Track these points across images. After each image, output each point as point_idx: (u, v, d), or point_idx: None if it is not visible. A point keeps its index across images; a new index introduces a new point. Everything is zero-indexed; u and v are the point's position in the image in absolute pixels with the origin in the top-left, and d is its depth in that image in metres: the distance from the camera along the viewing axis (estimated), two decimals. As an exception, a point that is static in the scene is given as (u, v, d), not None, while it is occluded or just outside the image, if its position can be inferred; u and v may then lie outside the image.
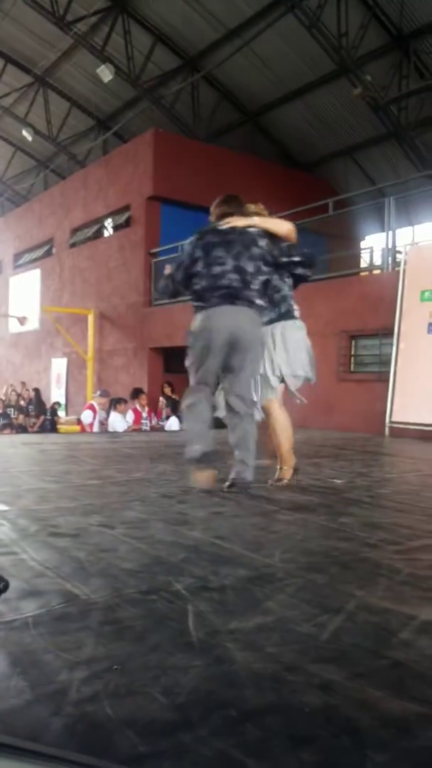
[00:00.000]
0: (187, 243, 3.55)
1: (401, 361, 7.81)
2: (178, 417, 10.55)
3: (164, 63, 15.01)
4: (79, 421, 11.05)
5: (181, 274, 3.52)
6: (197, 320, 3.44)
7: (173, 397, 11.11)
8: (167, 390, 11.32)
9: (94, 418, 10.00)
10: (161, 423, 10.67)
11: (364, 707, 1.14)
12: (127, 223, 14.22)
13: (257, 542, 2.33)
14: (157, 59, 14.86)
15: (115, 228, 15.02)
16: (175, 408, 10.78)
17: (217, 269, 3.38)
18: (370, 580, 1.92)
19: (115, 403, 10.11)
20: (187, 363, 3.52)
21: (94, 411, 10.09)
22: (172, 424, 10.27)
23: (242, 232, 3.45)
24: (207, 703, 1.15)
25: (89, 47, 14.94)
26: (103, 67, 14.19)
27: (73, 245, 16.46)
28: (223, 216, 3.55)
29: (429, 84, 13.03)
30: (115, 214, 14.93)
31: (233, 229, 3.45)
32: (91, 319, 14.79)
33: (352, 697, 1.18)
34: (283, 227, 3.61)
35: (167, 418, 10.58)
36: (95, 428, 9.90)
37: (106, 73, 14.17)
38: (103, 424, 9.97)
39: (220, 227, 3.49)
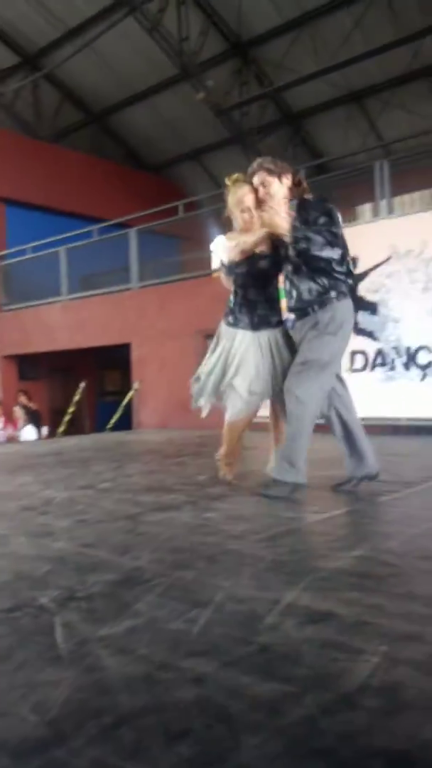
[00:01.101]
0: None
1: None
2: (37, 426, 10.21)
3: (1, 60, 14.43)
4: None
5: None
6: (350, 315, 3.19)
7: (29, 405, 10.72)
8: (23, 398, 10.89)
9: None
10: (17, 433, 10.24)
11: (235, 694, 1.17)
12: (-29, 224, 13.53)
13: (124, 546, 2.31)
14: (-6, 56, 14.26)
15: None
16: (33, 417, 10.42)
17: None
18: (235, 571, 1.97)
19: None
20: (335, 356, 3.18)
21: None
22: (28, 433, 9.92)
23: None
24: (80, 714, 1.12)
25: None
26: None
27: None
28: (303, 185, 3.29)
29: (267, 91, 13.59)
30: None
31: None
32: None
33: (223, 686, 1.21)
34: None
35: (24, 427, 10.18)
36: None
37: None
38: None
39: None
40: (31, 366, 12.69)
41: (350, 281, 3.21)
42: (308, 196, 3.24)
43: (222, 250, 3.35)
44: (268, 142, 14.94)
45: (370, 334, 6.90)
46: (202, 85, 12.83)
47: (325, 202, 3.19)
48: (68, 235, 11.06)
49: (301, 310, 3.17)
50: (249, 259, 3.27)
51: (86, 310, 10.61)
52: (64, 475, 4.23)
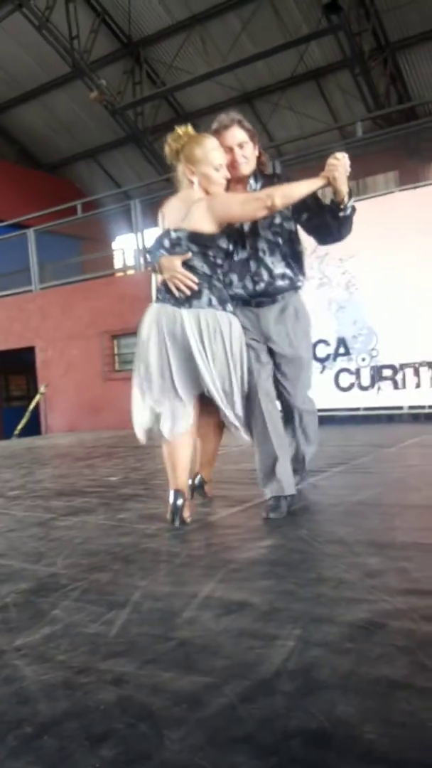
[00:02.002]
0: None
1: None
2: None
3: None
4: None
5: None
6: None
7: None
8: None
9: None
10: None
11: (156, 691, 1.19)
12: None
13: (37, 553, 2.27)
14: None
15: None
16: None
17: None
18: (152, 569, 1.98)
19: None
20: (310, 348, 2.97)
21: None
22: None
23: None
24: (-2, 727, 1.10)
25: None
26: None
27: None
28: (263, 157, 2.88)
29: (160, 91, 13.60)
30: None
31: None
32: None
33: (144, 684, 1.22)
34: None
35: None
36: None
37: None
38: None
39: None
40: None
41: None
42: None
43: (199, 216, 2.61)
44: (163, 142, 14.94)
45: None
46: (95, 84, 12.68)
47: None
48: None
49: (270, 295, 2.76)
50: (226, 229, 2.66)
51: (-15, 314, 10.26)
52: (-31, 487, 4.08)
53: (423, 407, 6.41)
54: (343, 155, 2.51)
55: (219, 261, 2.66)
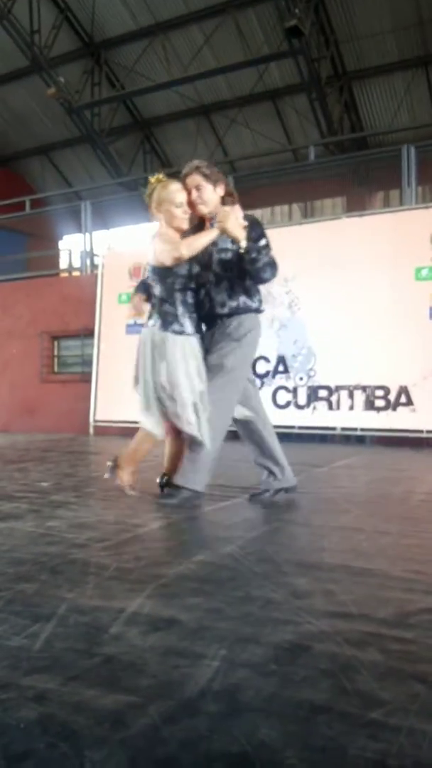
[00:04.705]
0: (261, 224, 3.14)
1: (102, 361, 8.03)
2: None
3: None
4: None
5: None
6: (257, 324, 3.20)
7: None
8: None
9: None
10: None
11: (79, 709, 1.17)
12: None
13: (-40, 559, 2.20)
14: None
15: None
16: None
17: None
18: (80, 581, 1.95)
19: None
20: (239, 362, 3.13)
21: None
22: None
23: None
24: None
25: None
26: None
27: None
28: (232, 196, 3.22)
29: (119, 94, 13.56)
30: None
31: None
32: None
33: (67, 702, 1.20)
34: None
35: None
36: None
37: None
38: None
39: None
40: None
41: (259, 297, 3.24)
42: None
43: (153, 251, 3.12)
44: (118, 144, 14.90)
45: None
46: (54, 81, 12.53)
47: (259, 223, 3.16)
48: None
49: (213, 320, 3.17)
50: (191, 259, 3.06)
51: None
52: None
53: (354, 429, 6.57)
54: (231, 208, 3.00)
55: (178, 286, 3.10)
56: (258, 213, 12.34)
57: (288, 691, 1.24)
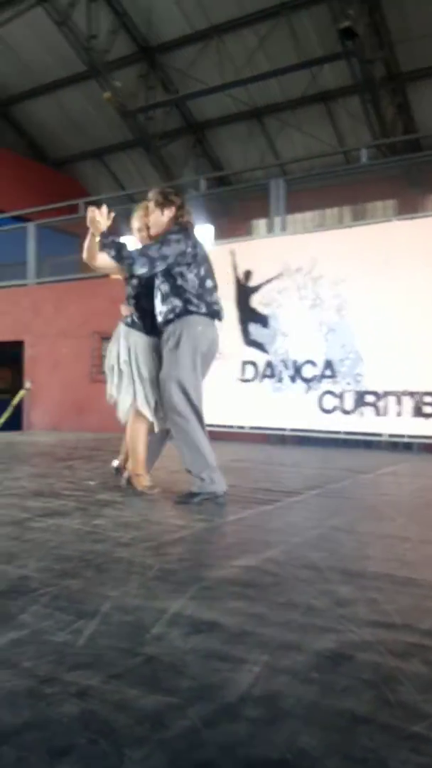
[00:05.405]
0: (177, 237, 3.34)
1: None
2: None
3: None
4: None
5: (162, 264, 3.32)
6: (200, 325, 3.37)
7: None
8: None
9: None
10: None
11: (120, 708, 1.18)
12: None
13: (9, 553, 2.25)
14: None
15: None
16: None
17: (210, 283, 3.43)
18: (123, 580, 1.97)
19: None
20: (186, 361, 3.33)
21: None
22: None
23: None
24: (-42, 733, 1.09)
25: None
26: None
27: None
28: (185, 225, 3.46)
29: (172, 98, 13.68)
30: None
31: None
32: None
33: (108, 699, 1.22)
34: None
35: None
36: None
37: None
38: None
39: (198, 239, 3.44)
40: None
41: (207, 298, 3.40)
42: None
43: None
44: (170, 148, 15.02)
45: (260, 346, 7.11)
46: (109, 85, 12.72)
47: (174, 234, 3.36)
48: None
49: (159, 327, 3.49)
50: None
51: (-23, 303, 10.20)
52: None
53: (402, 436, 6.46)
54: (91, 209, 3.31)
55: (132, 292, 3.64)
56: (308, 215, 12.28)
57: (329, 700, 1.23)
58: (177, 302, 3.36)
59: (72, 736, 1.09)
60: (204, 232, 9.03)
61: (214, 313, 3.43)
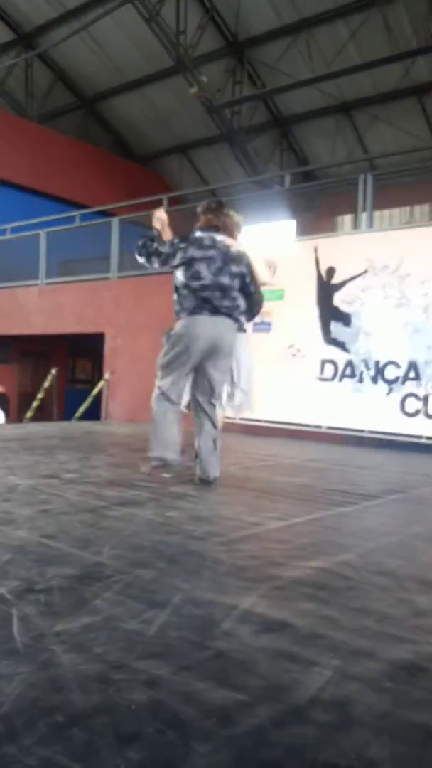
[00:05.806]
0: (177, 241, 3.71)
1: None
2: (4, 410, 10.10)
3: (-5, 35, 14.21)
4: None
5: (163, 261, 3.77)
6: (179, 326, 3.74)
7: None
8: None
9: None
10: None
11: (188, 700, 1.18)
12: None
13: (85, 539, 2.31)
14: (-12, 30, 14.04)
15: None
16: (1, 401, 10.31)
17: (195, 284, 3.65)
18: (195, 573, 1.98)
19: None
20: (162, 361, 3.76)
21: None
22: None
23: (224, 247, 3.67)
24: (32, 711, 1.12)
25: None
26: None
27: None
28: (209, 226, 3.76)
29: (260, 93, 13.61)
30: None
31: (214, 244, 3.65)
32: None
33: (177, 690, 1.22)
34: (262, 278, 3.93)
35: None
36: None
37: None
38: None
39: (204, 241, 3.65)
40: (2, 348, 12.53)
41: (202, 295, 3.65)
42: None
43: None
44: (256, 143, 14.98)
45: (341, 345, 6.98)
46: (196, 80, 12.81)
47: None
48: (50, 218, 10.93)
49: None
50: None
51: (63, 296, 10.51)
52: (28, 462, 4.19)
53: None
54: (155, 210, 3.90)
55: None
56: (396, 212, 11.94)
57: (402, 711, 1.19)
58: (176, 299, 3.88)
59: (140, 723, 1.10)
60: (285, 227, 8.91)
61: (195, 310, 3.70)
